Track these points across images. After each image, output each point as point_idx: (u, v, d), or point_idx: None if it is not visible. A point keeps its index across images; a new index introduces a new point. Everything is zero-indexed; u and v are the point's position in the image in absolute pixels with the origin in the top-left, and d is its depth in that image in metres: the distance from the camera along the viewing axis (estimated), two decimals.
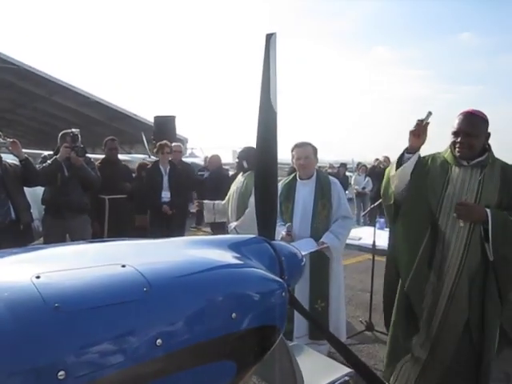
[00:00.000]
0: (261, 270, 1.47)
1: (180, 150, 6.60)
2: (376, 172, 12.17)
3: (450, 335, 2.60)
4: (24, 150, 4.10)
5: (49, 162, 4.40)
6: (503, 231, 2.44)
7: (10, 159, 4.10)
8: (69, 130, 4.59)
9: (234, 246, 1.58)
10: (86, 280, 1.07)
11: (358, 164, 14.69)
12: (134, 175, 6.44)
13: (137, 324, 1.06)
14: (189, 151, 22.77)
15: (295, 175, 3.93)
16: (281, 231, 3.66)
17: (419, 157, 2.68)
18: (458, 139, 2.58)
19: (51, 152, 4.90)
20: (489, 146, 2.61)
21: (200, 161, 14.25)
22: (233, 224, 4.33)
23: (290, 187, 3.86)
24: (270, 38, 1.83)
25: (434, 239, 2.63)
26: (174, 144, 6.37)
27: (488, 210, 2.46)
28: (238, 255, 1.51)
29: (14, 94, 26.99)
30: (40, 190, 4.76)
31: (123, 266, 1.15)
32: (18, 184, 3.90)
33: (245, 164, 4.48)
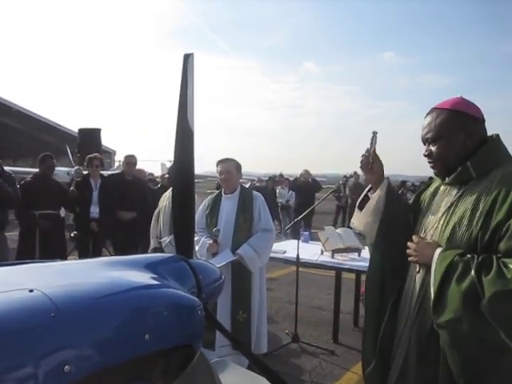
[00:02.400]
0: (176, 290, 1.49)
1: (134, 161, 6.15)
2: (297, 185, 12.52)
3: None
4: None
5: None
6: (441, 284, 1.65)
7: None
8: None
9: (150, 266, 1.59)
10: None
11: (281, 177, 14.94)
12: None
13: (43, 351, 1.04)
14: (117, 164, 22.29)
15: (221, 190, 4.10)
16: (206, 241, 3.86)
17: (388, 191, 2.01)
18: (424, 151, 1.91)
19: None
20: (482, 149, 1.78)
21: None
22: (167, 238, 4.36)
23: (216, 201, 4.08)
24: (187, 58, 1.87)
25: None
26: (126, 155, 6.04)
27: (437, 252, 1.72)
28: (154, 275, 1.52)
29: None
30: None
31: (31, 291, 1.12)
32: None
33: None
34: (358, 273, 5.04)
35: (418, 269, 1.87)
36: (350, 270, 4.91)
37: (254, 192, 4.25)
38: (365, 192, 2.12)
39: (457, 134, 1.79)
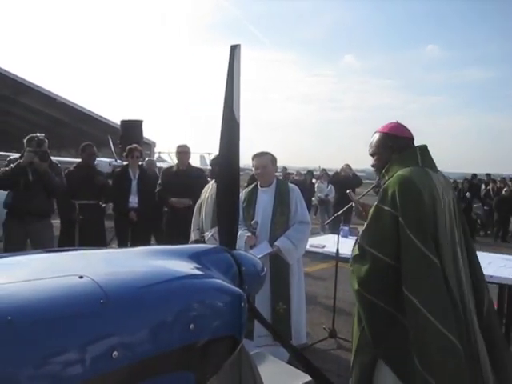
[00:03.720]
0: (220, 281, 1.49)
1: (186, 151, 5.88)
2: (337, 179, 12.26)
3: None
4: None
5: (12, 165, 4.32)
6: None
7: None
8: (34, 135, 4.54)
9: (195, 256, 1.59)
10: (42, 292, 1.06)
11: (321, 171, 14.76)
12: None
13: (93, 336, 1.06)
14: (156, 155, 22.56)
15: (257, 183, 4.09)
16: (244, 234, 3.85)
17: None
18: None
19: (17, 155, 4.81)
20: (394, 160, 2.35)
21: (167, 165, 14.12)
22: (209, 233, 4.37)
23: (252, 194, 4.10)
24: (234, 50, 1.86)
25: None
26: (179, 145, 5.83)
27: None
28: (198, 265, 1.52)
29: None
30: (1, 193, 4.65)
31: (80, 278, 1.14)
32: None
33: None
34: None
35: None
36: None
37: (290, 185, 4.26)
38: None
39: (383, 151, 2.41)
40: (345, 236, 5.59)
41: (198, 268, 1.50)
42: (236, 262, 1.70)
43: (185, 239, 5.15)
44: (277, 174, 4.22)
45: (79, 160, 5.97)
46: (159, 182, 5.73)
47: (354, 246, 2.32)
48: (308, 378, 2.39)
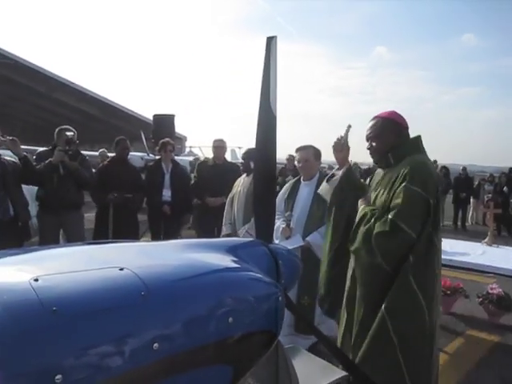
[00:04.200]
0: (258, 274, 1.47)
1: (222, 145, 5.86)
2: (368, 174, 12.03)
3: None
4: (22, 147, 4.13)
5: (44, 164, 4.42)
6: (357, 226, 2.51)
7: (8, 156, 4.11)
8: (64, 127, 4.65)
9: (232, 250, 1.58)
10: (84, 283, 1.07)
11: (353, 165, 14.65)
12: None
13: (134, 328, 1.06)
14: (187, 149, 22.65)
15: (300, 176, 4.15)
16: (281, 225, 3.88)
17: (347, 171, 2.76)
18: (367, 145, 2.65)
19: (46, 148, 4.92)
20: (401, 145, 2.54)
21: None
22: (245, 227, 4.36)
23: (294, 187, 4.09)
24: (270, 42, 1.83)
25: None
26: (215, 139, 5.81)
27: (361, 207, 2.57)
28: (236, 259, 1.51)
29: (11, 89, 26.92)
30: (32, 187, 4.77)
31: (121, 270, 1.15)
32: (16, 181, 3.92)
33: (252, 165, 4.54)
34: None
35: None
36: None
37: None
38: (333, 171, 2.89)
39: (387, 135, 2.55)
40: None
41: (235, 261, 1.49)
42: (273, 255, 1.68)
43: (216, 233, 5.16)
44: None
45: (112, 154, 6.01)
46: (194, 175, 5.75)
47: (365, 225, 2.45)
48: (343, 373, 2.36)
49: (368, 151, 2.66)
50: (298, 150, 4.00)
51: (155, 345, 1.07)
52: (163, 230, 5.73)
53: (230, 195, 4.80)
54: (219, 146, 5.79)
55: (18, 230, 3.95)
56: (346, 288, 2.65)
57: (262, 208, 1.82)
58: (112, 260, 1.23)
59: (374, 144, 2.59)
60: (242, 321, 1.33)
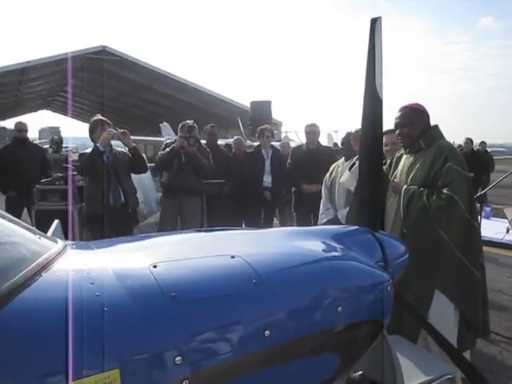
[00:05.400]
0: (367, 264, 1.44)
1: (314, 130, 5.68)
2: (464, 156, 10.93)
3: None
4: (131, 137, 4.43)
5: (167, 150, 4.75)
6: (408, 204, 2.78)
7: (119, 147, 4.40)
8: (185, 122, 4.95)
9: (338, 237, 1.56)
10: (199, 271, 1.11)
11: (459, 147, 13.71)
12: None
13: (246, 315, 1.09)
14: (283, 134, 22.64)
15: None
16: None
17: None
18: (397, 132, 2.95)
19: (171, 139, 5.38)
20: (429, 131, 2.89)
21: (294, 144, 14.16)
22: (345, 211, 4.26)
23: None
24: (374, 23, 1.76)
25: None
26: (307, 124, 5.69)
27: (404, 187, 2.82)
28: (342, 247, 1.49)
29: (118, 83, 28.72)
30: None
31: (233, 257, 1.18)
32: (126, 170, 4.18)
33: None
34: None
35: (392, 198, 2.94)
36: None
37: None
38: (353, 160, 3.21)
39: (417, 123, 2.86)
40: (487, 217, 5.16)
41: (343, 250, 1.47)
42: (380, 243, 1.63)
43: (313, 219, 5.12)
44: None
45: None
46: (289, 161, 5.74)
47: (417, 202, 2.72)
48: (451, 369, 2.24)
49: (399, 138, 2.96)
50: (385, 133, 3.80)
51: (267, 332, 1.09)
52: (263, 216, 5.80)
53: (328, 180, 4.71)
54: (311, 131, 5.67)
55: (128, 216, 4.22)
56: None
57: (367, 195, 1.77)
58: (223, 248, 1.26)
59: (404, 130, 2.88)
60: (350, 310, 1.31)
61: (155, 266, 1.08)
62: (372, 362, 1.75)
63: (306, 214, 5.43)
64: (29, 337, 0.83)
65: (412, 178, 2.84)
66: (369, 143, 1.76)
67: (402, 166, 3.00)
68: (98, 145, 3.86)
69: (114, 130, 4.03)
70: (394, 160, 3.13)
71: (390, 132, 3.87)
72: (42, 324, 0.86)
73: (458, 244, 2.69)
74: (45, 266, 0.99)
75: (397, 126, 2.96)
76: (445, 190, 2.67)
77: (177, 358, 0.94)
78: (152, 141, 19.77)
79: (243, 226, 6.01)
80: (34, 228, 1.23)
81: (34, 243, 1.11)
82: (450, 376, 2.24)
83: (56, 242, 1.18)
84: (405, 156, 3.02)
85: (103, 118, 4.14)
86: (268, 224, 5.91)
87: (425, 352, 2.75)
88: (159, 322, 0.97)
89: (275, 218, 6.74)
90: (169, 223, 4.90)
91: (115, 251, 1.28)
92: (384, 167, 3.06)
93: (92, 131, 4.05)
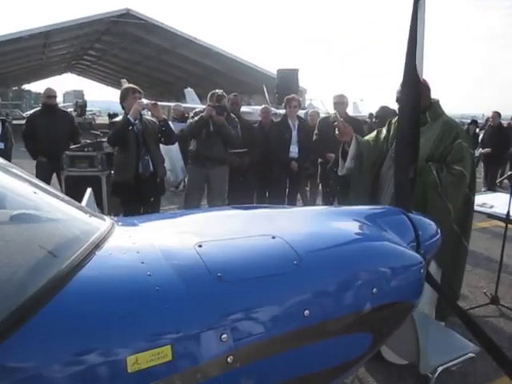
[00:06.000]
0: (402, 245, 1.46)
1: (342, 101, 5.55)
2: (491, 130, 10.35)
3: None
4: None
5: (196, 118, 4.79)
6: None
7: (148, 116, 4.44)
8: (215, 91, 4.96)
9: (371, 218, 1.57)
10: (243, 251, 1.14)
11: (487, 120, 13.38)
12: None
13: (287, 296, 1.12)
14: (307, 102, 22.26)
15: None
16: None
17: (358, 139, 3.01)
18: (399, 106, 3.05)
19: (200, 108, 5.37)
20: (434, 106, 2.91)
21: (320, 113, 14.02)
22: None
23: None
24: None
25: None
26: (336, 94, 5.57)
27: None
28: (376, 228, 1.51)
29: (142, 47, 28.57)
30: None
31: (273, 238, 1.21)
32: (155, 140, 4.22)
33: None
34: None
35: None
36: None
37: None
38: (341, 150, 3.09)
39: (423, 97, 2.74)
40: None
41: (377, 230, 1.49)
42: (412, 224, 1.65)
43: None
44: None
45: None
46: (316, 131, 5.70)
47: (428, 176, 2.74)
48: (476, 348, 2.26)
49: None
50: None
51: (306, 311, 1.13)
52: (289, 186, 5.82)
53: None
54: (340, 102, 5.55)
55: (157, 185, 4.29)
56: None
57: (402, 174, 1.78)
58: (263, 228, 1.30)
59: None
60: (384, 291, 1.34)
61: (200, 246, 1.11)
62: (397, 337, 1.79)
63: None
64: (89, 314, 0.88)
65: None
66: (405, 122, 1.75)
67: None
68: (129, 116, 3.89)
69: (144, 101, 4.06)
70: (392, 128, 3.02)
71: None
72: (101, 302, 0.90)
73: (457, 217, 2.86)
74: (98, 245, 1.03)
75: (399, 100, 2.94)
76: (456, 166, 2.77)
77: (223, 336, 0.99)
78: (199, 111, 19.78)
79: (267, 195, 6.04)
80: (84, 206, 1.27)
81: (85, 222, 1.15)
82: (472, 355, 2.27)
83: (104, 219, 1.22)
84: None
85: (134, 86, 4.16)
86: (293, 196, 5.93)
87: (448, 330, 2.78)
88: (207, 301, 1.01)
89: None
90: (196, 191, 4.98)
91: (159, 228, 1.32)
92: (382, 134, 3.12)
93: (123, 99, 4.06)
